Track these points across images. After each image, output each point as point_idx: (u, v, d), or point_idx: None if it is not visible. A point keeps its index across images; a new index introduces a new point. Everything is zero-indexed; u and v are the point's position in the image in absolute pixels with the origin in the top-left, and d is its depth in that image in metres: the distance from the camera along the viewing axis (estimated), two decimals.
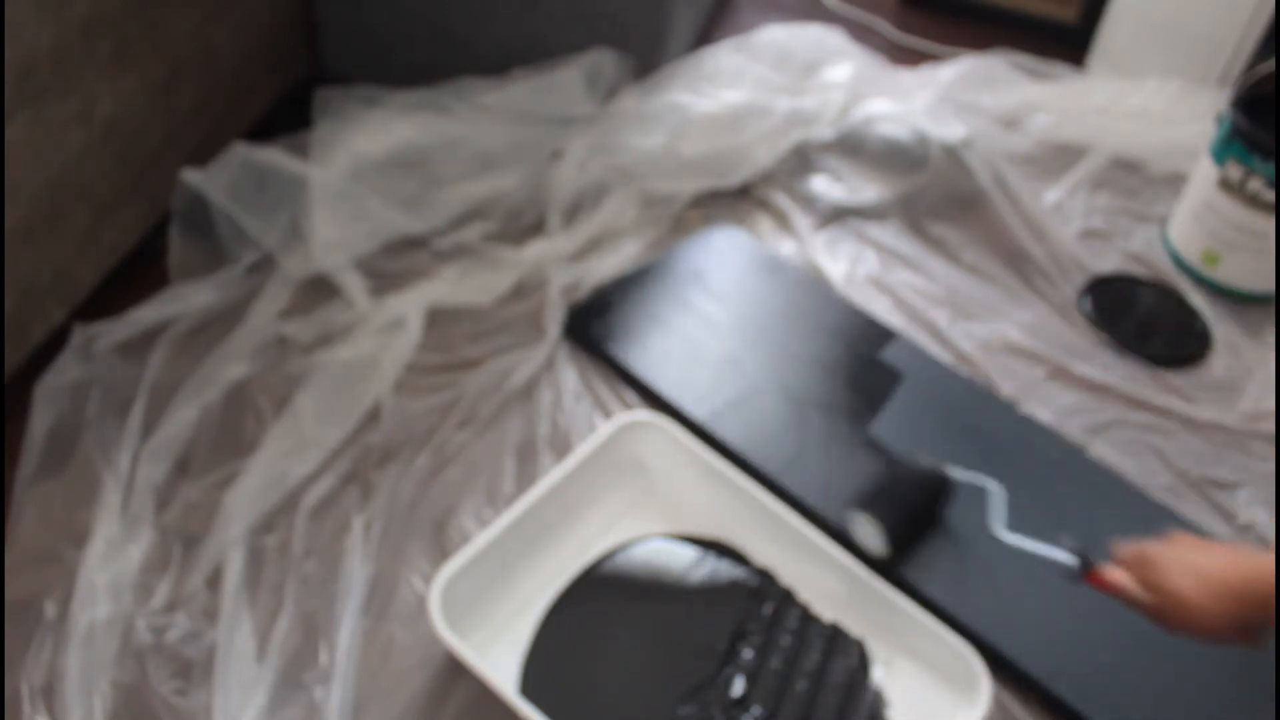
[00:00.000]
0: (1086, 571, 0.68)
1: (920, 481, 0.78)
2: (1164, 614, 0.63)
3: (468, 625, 0.69)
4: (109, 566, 0.74)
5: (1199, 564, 0.62)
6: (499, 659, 0.70)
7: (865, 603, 0.74)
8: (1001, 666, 0.74)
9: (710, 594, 0.76)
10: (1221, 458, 0.90)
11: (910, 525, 0.77)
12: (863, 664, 0.73)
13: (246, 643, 0.71)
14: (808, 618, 0.75)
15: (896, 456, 0.81)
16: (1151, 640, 0.76)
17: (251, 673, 0.69)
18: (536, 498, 0.74)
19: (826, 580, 0.76)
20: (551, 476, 0.75)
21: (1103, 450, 0.89)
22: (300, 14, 1.15)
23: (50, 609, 0.72)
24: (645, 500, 0.80)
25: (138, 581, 0.74)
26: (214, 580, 0.74)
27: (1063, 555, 0.69)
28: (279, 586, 0.74)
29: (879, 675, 0.73)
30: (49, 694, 0.68)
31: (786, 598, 0.76)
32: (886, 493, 0.77)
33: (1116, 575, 0.66)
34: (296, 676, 0.70)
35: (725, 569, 0.77)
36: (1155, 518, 0.84)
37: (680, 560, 0.78)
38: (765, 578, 0.77)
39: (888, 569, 0.77)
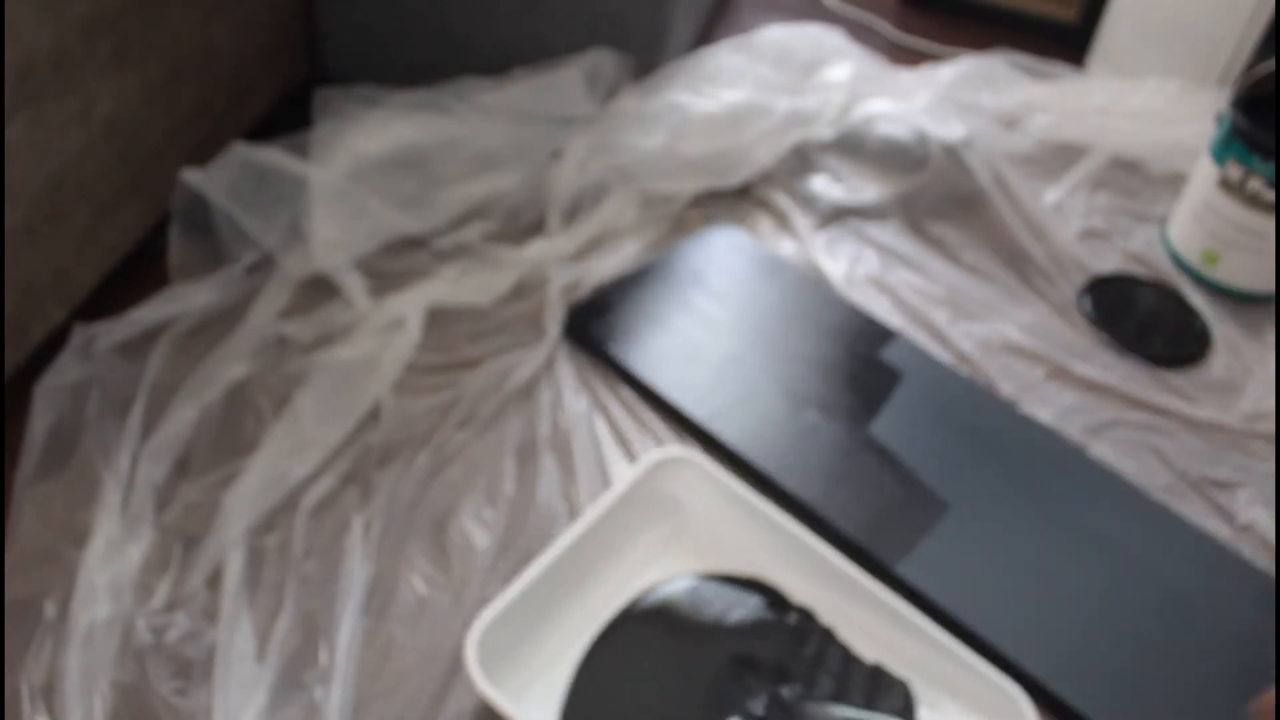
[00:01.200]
0: None
1: None
2: None
3: (503, 674, 0.67)
4: (109, 566, 0.74)
5: None
6: (535, 707, 0.69)
7: (908, 641, 0.72)
8: (1000, 665, 0.74)
9: (750, 635, 0.73)
10: (1221, 458, 0.90)
11: None
12: (907, 706, 0.71)
13: (246, 643, 0.71)
14: (849, 658, 0.73)
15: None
16: (1153, 640, 0.77)
17: (251, 673, 0.69)
18: (570, 542, 0.72)
19: (867, 619, 0.74)
20: (586, 519, 0.74)
21: (1103, 450, 0.89)
22: (300, 14, 1.16)
23: (50, 609, 0.72)
24: (680, 539, 0.78)
25: (138, 581, 0.74)
26: (214, 580, 0.74)
27: None
28: (279, 586, 0.74)
29: (925, 717, 0.71)
30: (49, 694, 0.68)
31: (827, 637, 0.74)
32: None
33: None
34: (296, 676, 0.70)
35: (764, 608, 0.75)
36: (1155, 518, 0.84)
37: (718, 600, 0.76)
38: (805, 617, 0.75)
39: (884, 569, 0.77)
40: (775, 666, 0.72)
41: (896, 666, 0.73)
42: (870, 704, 0.71)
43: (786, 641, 0.74)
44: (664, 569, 0.78)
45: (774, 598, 0.77)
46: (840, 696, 0.71)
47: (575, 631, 0.73)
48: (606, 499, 0.76)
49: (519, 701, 0.68)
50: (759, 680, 0.71)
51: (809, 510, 0.81)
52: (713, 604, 0.76)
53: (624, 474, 0.77)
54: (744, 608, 0.76)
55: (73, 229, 0.87)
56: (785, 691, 0.71)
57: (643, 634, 0.74)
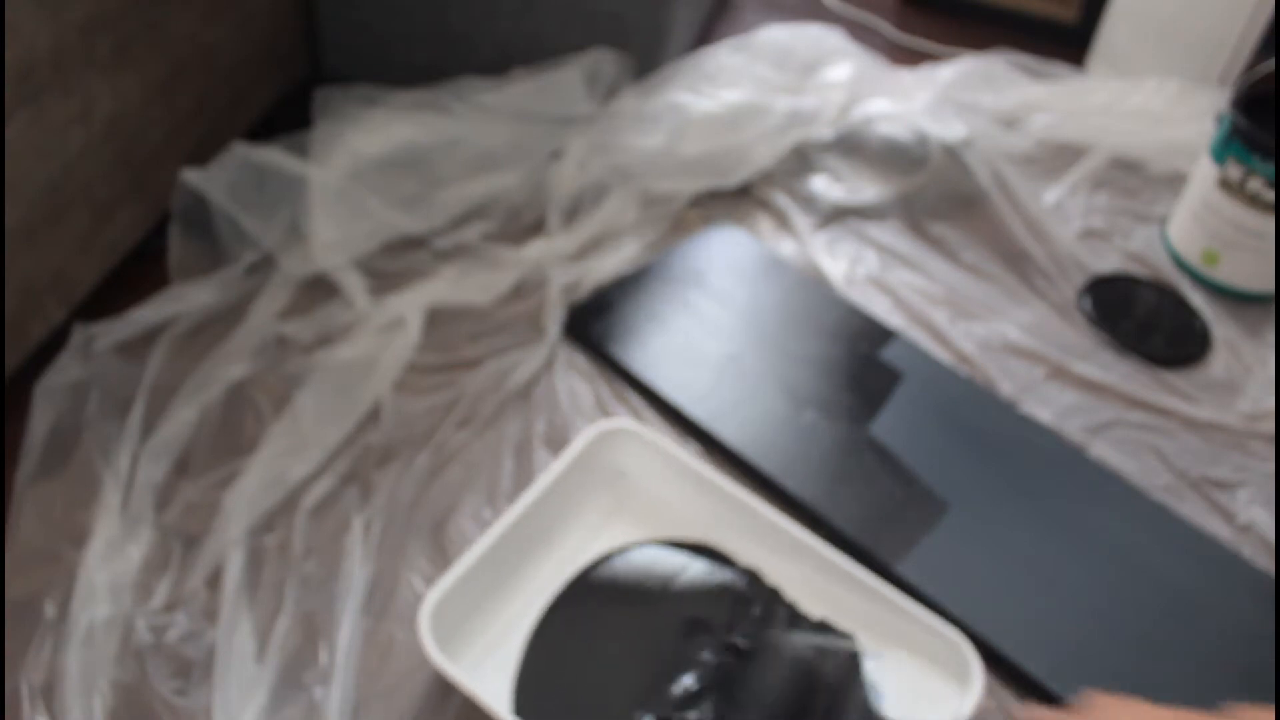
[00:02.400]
0: None
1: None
2: None
3: (457, 648, 0.69)
4: (109, 566, 0.74)
5: None
6: (490, 679, 0.70)
7: (853, 597, 0.74)
8: (1000, 664, 0.74)
9: (698, 597, 0.75)
10: (1221, 458, 0.90)
11: None
12: (854, 657, 0.73)
13: (246, 643, 0.71)
14: (796, 615, 0.75)
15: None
16: (1153, 640, 0.77)
17: (251, 673, 0.70)
18: (518, 514, 0.73)
19: (812, 577, 0.76)
20: (532, 491, 0.75)
21: (1103, 450, 0.89)
22: (300, 14, 1.15)
23: (50, 609, 0.72)
24: (625, 508, 0.80)
25: (138, 581, 0.74)
26: (214, 580, 0.74)
27: None
28: (279, 586, 0.75)
29: (871, 668, 0.73)
30: (49, 694, 0.68)
31: (774, 596, 0.76)
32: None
33: None
34: (296, 676, 0.70)
35: (711, 572, 0.77)
36: (1154, 517, 0.84)
37: (665, 566, 0.77)
38: (751, 578, 0.77)
39: (884, 569, 0.77)
40: (725, 627, 0.74)
41: (842, 622, 0.75)
42: (820, 649, 0.72)
43: (734, 602, 0.75)
44: (611, 538, 0.79)
45: (720, 560, 0.78)
46: (789, 646, 0.72)
47: (527, 602, 0.75)
48: (551, 472, 0.77)
49: (475, 673, 0.70)
50: (710, 641, 0.73)
51: (809, 510, 0.81)
52: (660, 569, 0.77)
53: (568, 447, 0.79)
54: (691, 571, 0.77)
55: (73, 229, 0.87)
56: (739, 641, 0.72)
57: (593, 601, 0.75)
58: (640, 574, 0.77)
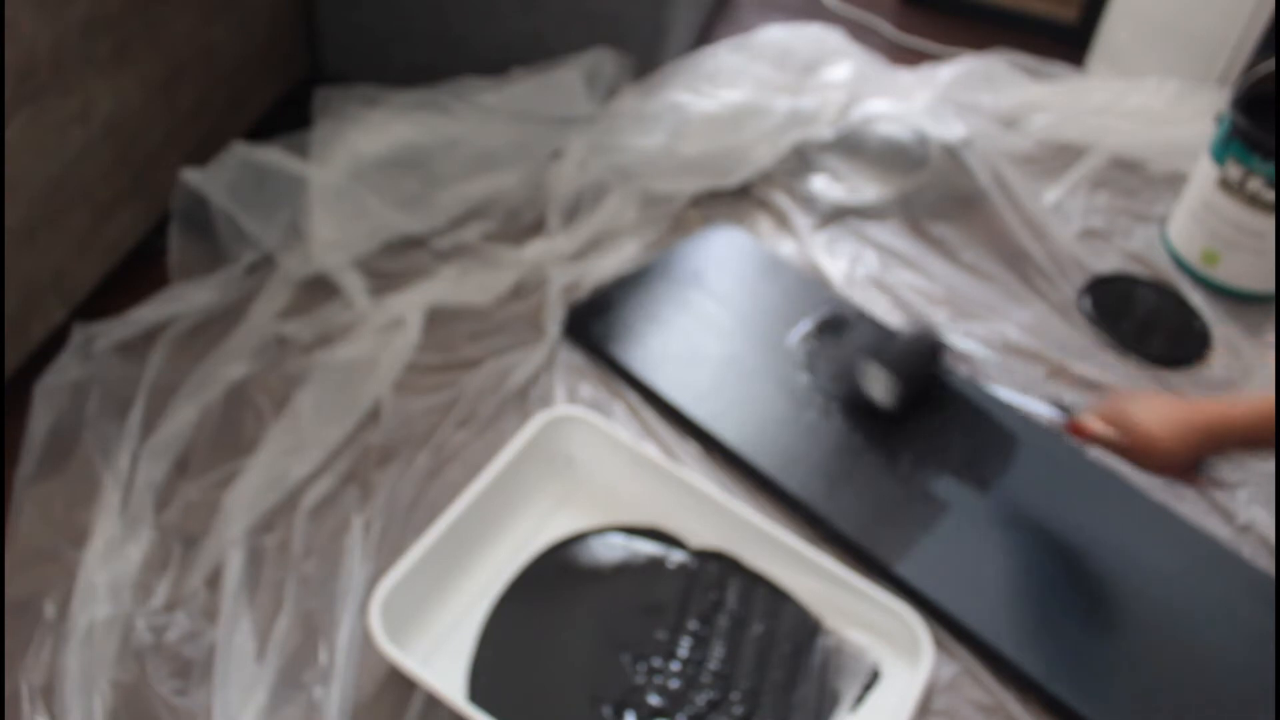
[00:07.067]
0: (1068, 423, 0.79)
1: (921, 343, 0.88)
2: (1134, 450, 0.76)
3: (410, 637, 0.69)
4: (109, 566, 0.74)
5: (1164, 406, 0.76)
6: (445, 668, 0.71)
7: (805, 577, 0.75)
8: (1001, 667, 0.74)
9: (650, 580, 0.76)
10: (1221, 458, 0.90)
11: (914, 382, 0.86)
12: (806, 625, 0.74)
13: (246, 642, 0.71)
14: (747, 592, 0.76)
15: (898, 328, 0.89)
16: (1153, 640, 0.77)
17: (251, 672, 0.70)
18: (468, 503, 0.74)
19: (762, 558, 0.77)
20: (481, 480, 0.75)
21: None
22: (300, 14, 1.16)
23: (50, 609, 0.72)
24: (577, 494, 0.81)
25: (137, 581, 0.74)
26: (214, 580, 0.74)
27: (1046, 409, 0.81)
28: (279, 586, 0.75)
29: (827, 641, 0.74)
30: (49, 694, 0.68)
31: (724, 577, 0.77)
32: (894, 351, 0.86)
33: (1094, 424, 0.78)
34: (296, 676, 0.70)
35: (662, 555, 0.78)
36: (1155, 518, 0.84)
37: (617, 551, 0.78)
38: (702, 559, 0.78)
39: (884, 569, 0.77)
40: (679, 609, 0.75)
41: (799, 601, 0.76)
42: (772, 628, 0.74)
43: (687, 583, 0.77)
44: (563, 524, 0.80)
45: (672, 544, 0.79)
46: (742, 626, 0.74)
47: (481, 591, 0.75)
48: (499, 461, 0.77)
49: (429, 662, 0.70)
50: (663, 621, 0.74)
51: (809, 510, 0.81)
52: (613, 554, 0.78)
53: (516, 435, 0.79)
54: (643, 555, 0.78)
55: (73, 229, 0.87)
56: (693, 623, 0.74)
57: (546, 588, 0.76)
58: (592, 559, 0.78)
